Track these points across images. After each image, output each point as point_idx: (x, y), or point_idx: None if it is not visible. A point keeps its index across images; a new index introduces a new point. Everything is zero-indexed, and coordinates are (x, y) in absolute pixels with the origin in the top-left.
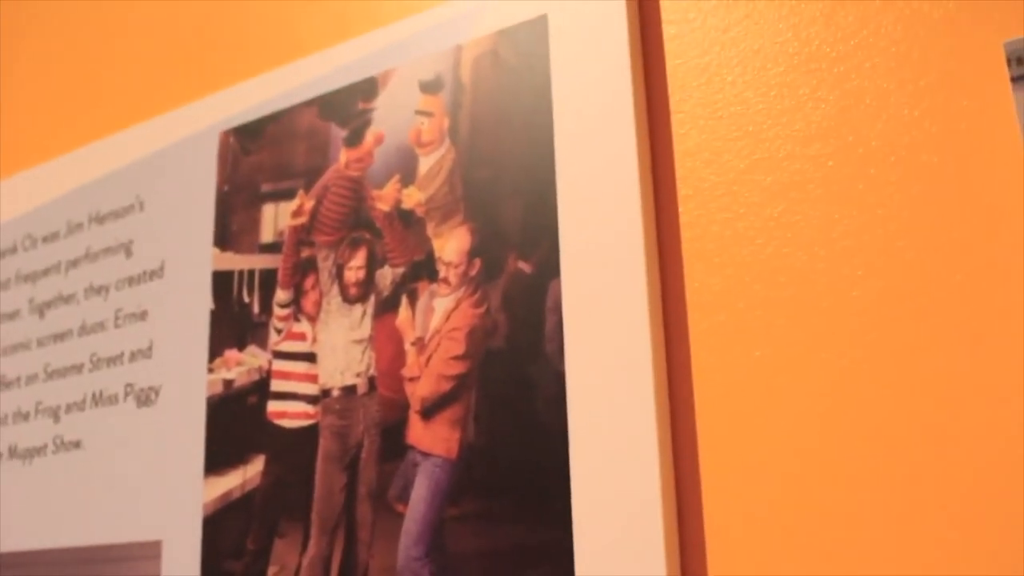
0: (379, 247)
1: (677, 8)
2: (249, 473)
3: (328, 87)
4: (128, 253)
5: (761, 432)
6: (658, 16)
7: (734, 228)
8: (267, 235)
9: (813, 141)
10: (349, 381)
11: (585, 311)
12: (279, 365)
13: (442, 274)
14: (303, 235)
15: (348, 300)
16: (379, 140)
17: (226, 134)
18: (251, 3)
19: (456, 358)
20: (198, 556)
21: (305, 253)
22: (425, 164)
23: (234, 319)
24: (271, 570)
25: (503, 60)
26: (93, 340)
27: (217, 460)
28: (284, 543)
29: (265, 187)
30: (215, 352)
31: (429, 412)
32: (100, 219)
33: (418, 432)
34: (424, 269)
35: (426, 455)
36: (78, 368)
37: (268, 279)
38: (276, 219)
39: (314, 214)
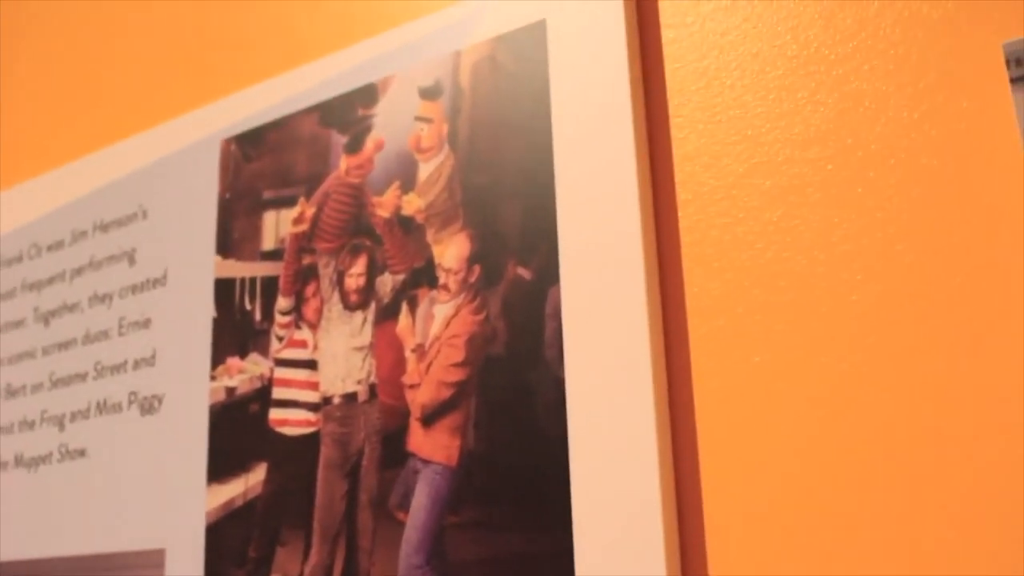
0: (379, 254)
1: (675, 12)
2: (251, 481)
3: (328, 94)
4: (131, 261)
5: (761, 437)
6: (656, 20)
7: (733, 232)
8: (268, 242)
9: (812, 144)
10: (350, 388)
11: (584, 317)
12: (280, 372)
13: (442, 280)
14: (304, 242)
15: (349, 307)
16: (379, 146)
17: (227, 142)
18: (251, 11)
19: (456, 365)
20: (201, 565)
21: (306, 260)
22: (425, 170)
23: (236, 327)
24: None
25: (502, 65)
26: (97, 348)
27: (219, 468)
28: (286, 551)
29: (266, 194)
30: (217, 360)
31: (429, 419)
32: (104, 227)
33: (419, 439)
34: (424, 276)
35: (426, 462)
36: (82, 376)
37: (269, 286)
38: (277, 226)
39: (315, 221)
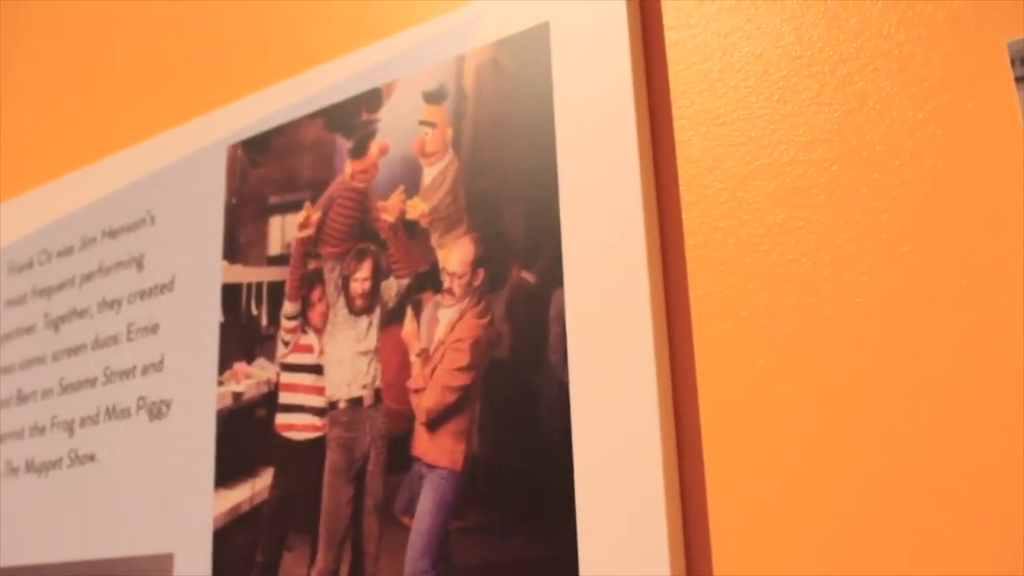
0: (384, 258)
1: (679, 13)
2: (258, 486)
3: (333, 99)
4: (140, 267)
5: (766, 441)
6: (660, 21)
7: (737, 235)
8: (275, 247)
9: (816, 146)
10: (355, 393)
11: (588, 320)
12: (287, 377)
13: (446, 285)
14: (310, 247)
15: (354, 312)
16: (384, 151)
17: (234, 147)
18: (256, 17)
19: (460, 369)
20: (209, 569)
21: (312, 265)
22: (429, 174)
23: (243, 332)
24: None
25: (505, 68)
26: (106, 354)
27: (227, 473)
28: (292, 556)
29: (272, 199)
30: (224, 365)
31: (434, 424)
32: (113, 233)
33: (423, 444)
34: (428, 280)
35: (431, 467)
36: (92, 382)
37: (276, 291)
38: (283, 231)
39: (320, 226)
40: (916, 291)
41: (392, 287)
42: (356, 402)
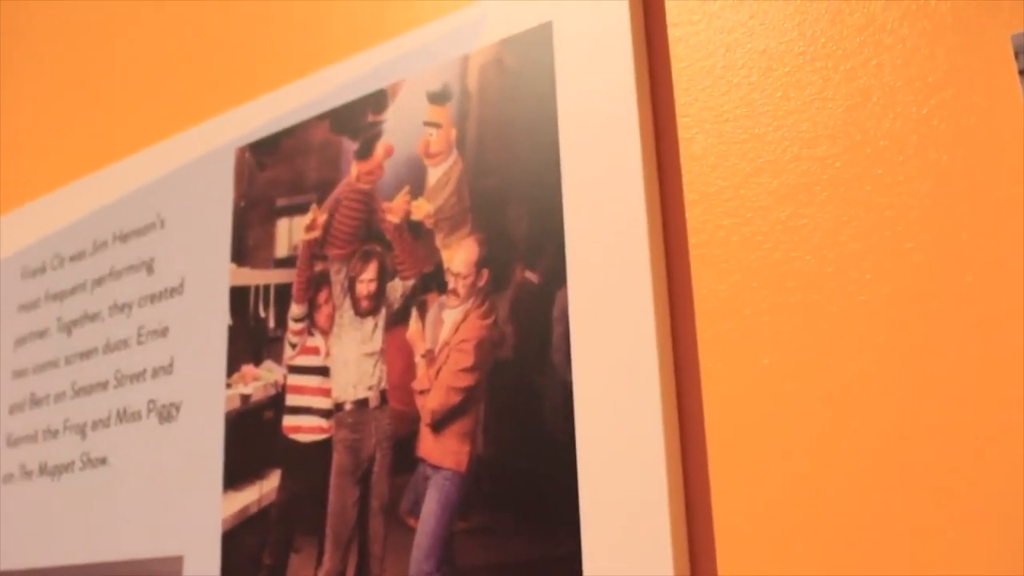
0: (390, 259)
1: (682, 11)
2: (265, 488)
3: (339, 100)
4: (150, 270)
5: (770, 440)
6: (663, 19)
7: (741, 233)
8: (282, 250)
9: (820, 142)
10: (361, 394)
11: (592, 320)
12: (294, 379)
13: (451, 285)
14: (316, 249)
15: (360, 313)
16: (389, 152)
17: (242, 150)
18: (262, 21)
19: (465, 370)
20: (218, 571)
21: (318, 267)
22: (434, 175)
23: (250, 334)
24: None
25: (508, 68)
26: (117, 357)
27: (235, 475)
28: (299, 558)
29: (280, 202)
30: (233, 367)
31: (439, 425)
32: (123, 237)
33: (429, 445)
34: (433, 281)
35: (436, 468)
36: (103, 385)
37: (283, 294)
38: (290, 233)
39: (327, 228)
40: (921, 288)
41: (397, 288)
42: (362, 403)
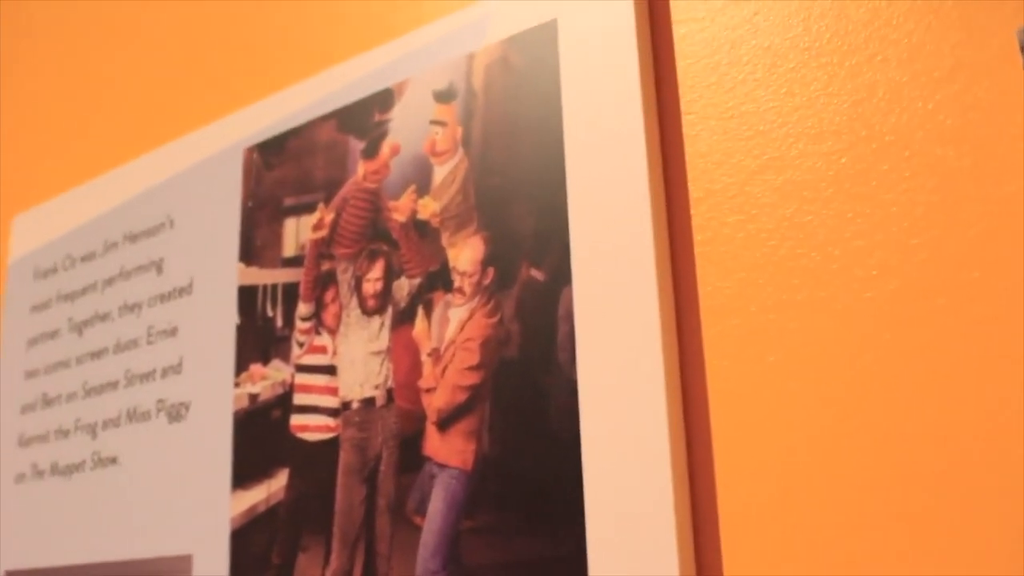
0: (396, 258)
1: (686, 7)
2: (273, 487)
3: (346, 100)
4: (159, 270)
5: (776, 438)
6: (667, 16)
7: (746, 230)
8: (289, 249)
9: (825, 138)
10: (368, 393)
11: (597, 318)
12: (301, 378)
13: (457, 284)
14: (323, 248)
15: (366, 312)
16: (395, 151)
17: (250, 150)
18: (269, 22)
19: (471, 368)
20: (226, 571)
21: (325, 266)
22: (440, 174)
23: (258, 333)
24: None
25: (513, 66)
26: (127, 357)
27: (243, 474)
28: (307, 557)
29: (287, 201)
30: (241, 367)
31: (445, 423)
32: (133, 238)
33: (435, 443)
34: (439, 279)
35: (442, 467)
36: (114, 385)
37: (290, 293)
38: (298, 233)
39: (334, 227)
40: (927, 284)
41: (404, 287)
42: (369, 402)
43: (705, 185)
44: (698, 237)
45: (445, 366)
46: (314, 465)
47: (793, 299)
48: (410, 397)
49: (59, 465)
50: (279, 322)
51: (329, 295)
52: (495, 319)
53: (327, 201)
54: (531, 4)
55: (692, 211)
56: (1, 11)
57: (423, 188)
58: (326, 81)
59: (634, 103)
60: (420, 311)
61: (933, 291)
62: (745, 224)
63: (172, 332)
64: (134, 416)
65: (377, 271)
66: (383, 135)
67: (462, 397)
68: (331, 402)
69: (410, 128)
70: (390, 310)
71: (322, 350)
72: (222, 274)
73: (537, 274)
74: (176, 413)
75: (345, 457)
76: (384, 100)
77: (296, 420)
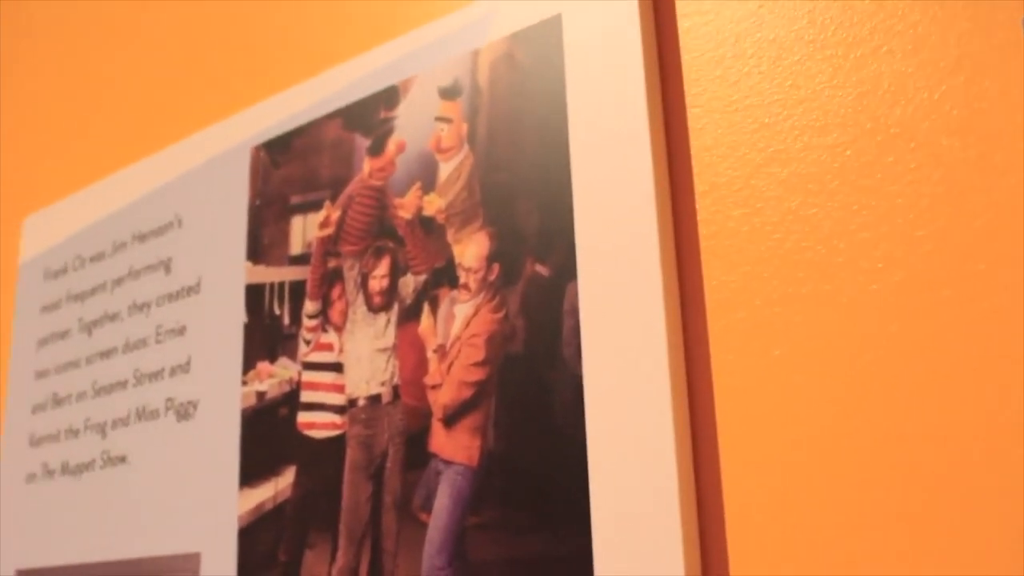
0: (402, 255)
1: (691, 1)
2: (281, 485)
3: (352, 98)
4: (167, 270)
5: (782, 433)
6: (672, 9)
7: (751, 223)
8: (296, 247)
9: (831, 131)
10: (374, 390)
11: (602, 313)
12: (308, 376)
13: (462, 280)
14: (330, 246)
15: (373, 309)
16: (401, 148)
17: (257, 149)
18: (275, 21)
19: (476, 364)
20: (234, 568)
21: (332, 264)
22: (445, 170)
23: (265, 331)
24: None
25: (518, 62)
26: (136, 356)
27: (251, 472)
28: (314, 554)
29: (294, 199)
30: (248, 365)
31: (451, 419)
32: (142, 237)
33: (440, 440)
34: (445, 276)
35: (448, 463)
36: (123, 384)
37: (297, 291)
38: (304, 231)
39: (340, 224)
40: (933, 276)
41: (409, 284)
42: (375, 399)
43: (710, 178)
44: (703, 231)
45: (451, 362)
46: (321, 462)
47: (798, 292)
48: (416, 394)
49: (69, 464)
50: (286, 320)
51: (335, 292)
52: (500, 315)
53: (333, 199)
54: (535, 0)
55: (697, 205)
56: (7, 12)
57: (428, 185)
58: (332, 79)
59: (639, 97)
60: (426, 308)
61: (939, 283)
62: (750, 217)
63: (180, 331)
64: (143, 415)
65: (383, 268)
66: (389, 132)
67: (468, 393)
68: (338, 399)
69: (416, 125)
70: (396, 307)
71: (329, 347)
72: (230, 273)
73: (542, 269)
74: (184, 412)
75: (351, 454)
76: (390, 97)
77: (303, 418)
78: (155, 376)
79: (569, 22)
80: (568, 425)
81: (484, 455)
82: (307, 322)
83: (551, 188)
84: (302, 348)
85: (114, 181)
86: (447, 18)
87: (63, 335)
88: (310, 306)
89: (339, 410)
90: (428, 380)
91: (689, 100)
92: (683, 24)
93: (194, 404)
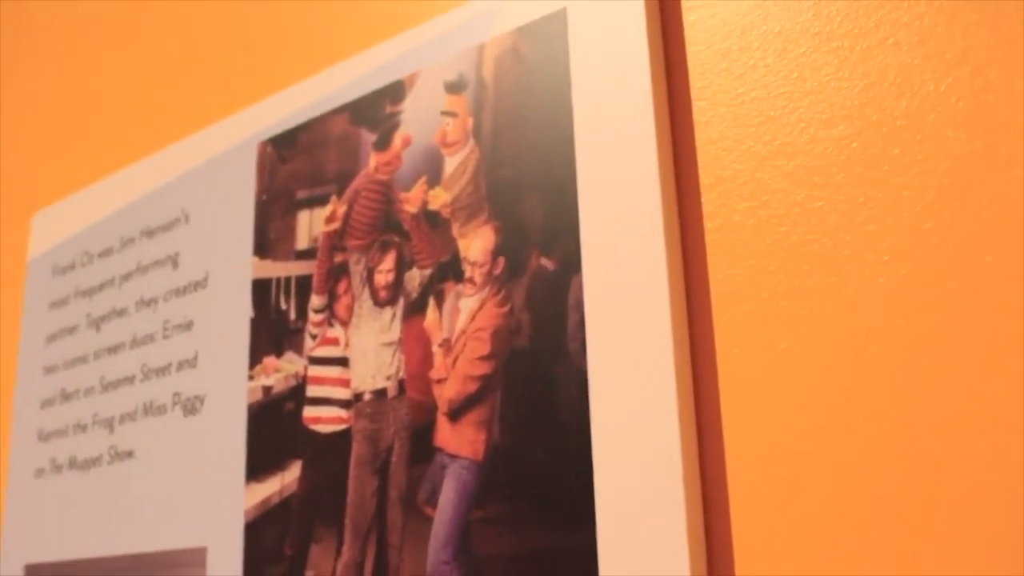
0: (407, 249)
1: None
2: (287, 479)
3: (358, 92)
4: (175, 265)
5: (788, 426)
6: (677, 2)
7: (757, 216)
8: (302, 242)
9: (837, 123)
10: (380, 384)
11: (607, 306)
12: (314, 370)
13: (467, 274)
14: (336, 240)
15: (378, 303)
16: (407, 142)
17: (264, 144)
18: (281, 18)
19: (481, 358)
20: (240, 563)
21: (338, 258)
22: (451, 164)
23: (272, 326)
24: (308, 575)
25: (524, 56)
26: (144, 352)
27: (257, 467)
28: (319, 548)
29: (300, 194)
30: (255, 359)
31: (456, 414)
32: (150, 233)
33: (446, 434)
34: (450, 270)
35: (453, 457)
36: (130, 379)
37: (303, 285)
38: (311, 226)
39: (346, 219)
40: (940, 269)
41: (415, 278)
42: (380, 393)
43: (716, 172)
44: (708, 224)
45: (456, 356)
46: (327, 457)
47: (804, 285)
48: (421, 388)
49: (77, 459)
50: (292, 315)
51: (342, 287)
52: (505, 309)
53: (340, 193)
54: None
55: (703, 198)
56: (12, 9)
57: (434, 179)
58: (338, 74)
59: (644, 90)
60: (431, 302)
61: (946, 275)
62: (756, 210)
63: (187, 326)
64: (150, 410)
65: (389, 262)
66: (395, 127)
67: (473, 387)
68: (343, 394)
69: (421, 119)
70: (401, 301)
71: (334, 342)
72: (236, 268)
73: (547, 263)
74: (191, 407)
75: (357, 449)
76: (395, 92)
77: (309, 412)
78: (162, 371)
79: (574, 16)
80: (573, 419)
81: (489, 449)
82: (313, 316)
83: (556, 182)
84: (308, 342)
85: (122, 177)
86: (452, 13)
87: (71, 331)
88: (316, 300)
89: (345, 404)
90: (433, 374)
91: (694, 93)
92: (688, 17)
93: (201, 399)
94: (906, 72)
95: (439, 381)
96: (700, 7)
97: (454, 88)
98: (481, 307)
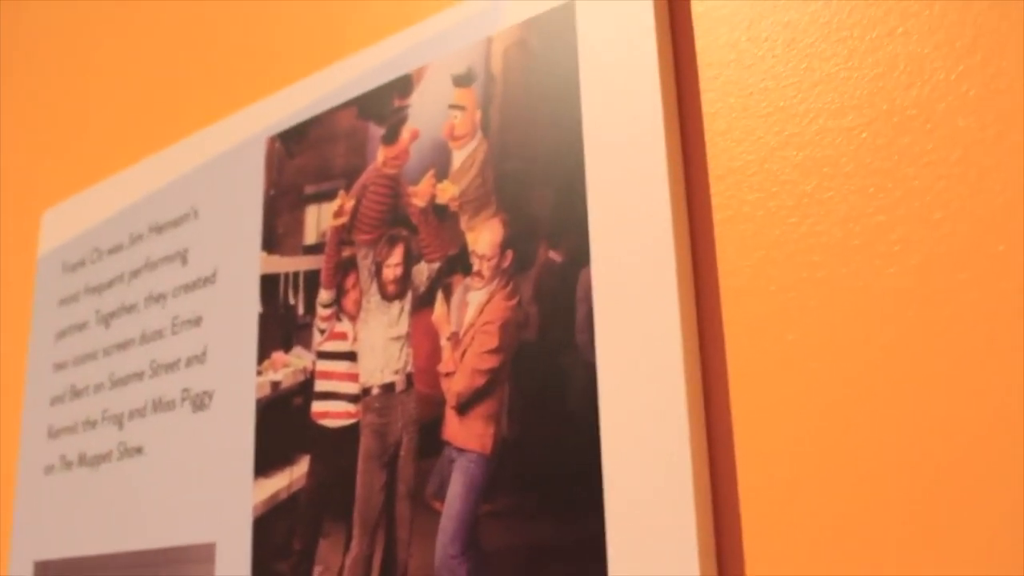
0: (415, 243)
1: None
2: (295, 474)
3: (366, 87)
4: (184, 261)
5: (797, 418)
6: None
7: (766, 207)
8: (310, 236)
9: (846, 113)
10: (388, 379)
11: (615, 299)
12: (322, 365)
13: (475, 267)
14: (344, 235)
15: (386, 297)
16: (414, 136)
17: (272, 139)
18: (289, 12)
19: (490, 352)
20: (248, 558)
21: (346, 252)
22: (458, 158)
23: (280, 321)
24: (316, 570)
25: (531, 49)
26: (153, 348)
27: (265, 462)
28: (328, 543)
29: (308, 189)
30: (263, 355)
31: (464, 407)
32: (159, 229)
33: (454, 428)
34: (458, 263)
35: (461, 451)
36: (140, 376)
37: (312, 280)
38: (319, 220)
39: (354, 213)
40: (951, 259)
41: (423, 272)
42: (388, 388)
43: (725, 163)
44: (717, 215)
45: (464, 350)
46: (335, 451)
47: (814, 276)
48: (429, 382)
49: (87, 456)
50: (300, 309)
51: (350, 281)
52: (514, 302)
53: (348, 188)
54: None
55: (711, 189)
56: (23, 4)
57: (442, 172)
58: (346, 68)
59: (652, 82)
60: (439, 295)
61: (957, 266)
62: (765, 201)
63: (196, 322)
64: (159, 406)
65: (397, 256)
66: (402, 121)
67: (481, 381)
68: (351, 388)
69: (429, 113)
70: (409, 295)
71: (343, 336)
72: (245, 263)
73: (555, 256)
74: (200, 402)
75: (365, 443)
76: (403, 86)
77: (317, 407)
78: (171, 367)
79: (582, 8)
80: (581, 412)
81: (497, 443)
82: (321, 311)
83: (564, 174)
84: (316, 337)
85: (131, 174)
86: (460, 6)
87: (81, 327)
88: (324, 295)
89: (353, 399)
90: (441, 368)
91: (703, 84)
92: (696, 8)
93: (209, 395)
94: (916, 61)
95: (447, 375)
96: None
97: (462, 81)
98: (489, 300)
